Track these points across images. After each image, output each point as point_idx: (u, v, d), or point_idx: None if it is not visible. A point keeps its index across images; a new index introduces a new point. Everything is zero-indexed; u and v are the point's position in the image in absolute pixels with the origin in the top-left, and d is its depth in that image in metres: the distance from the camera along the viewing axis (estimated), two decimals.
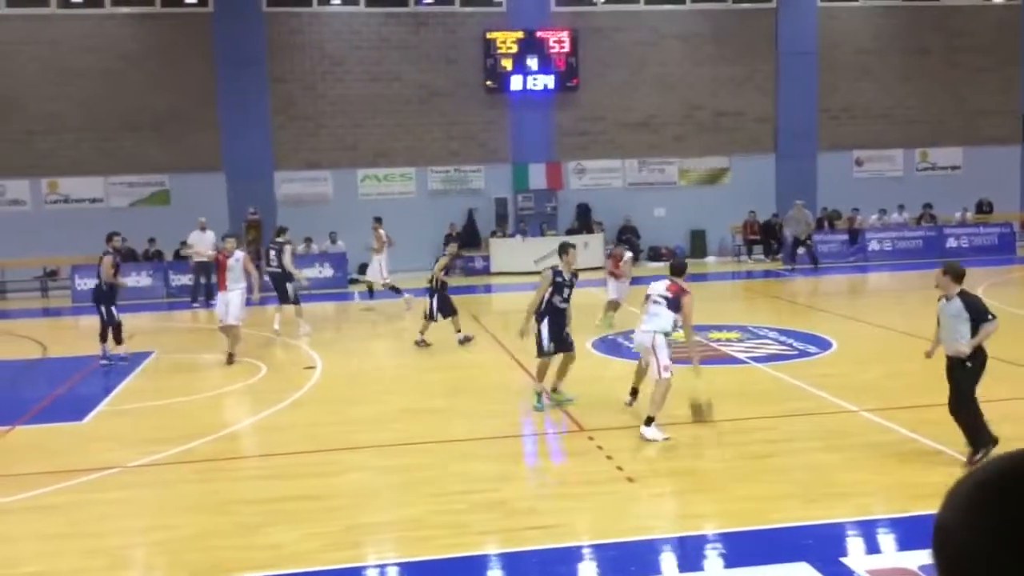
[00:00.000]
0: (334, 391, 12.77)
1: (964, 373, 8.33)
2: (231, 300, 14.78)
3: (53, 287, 25.97)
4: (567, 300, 11.04)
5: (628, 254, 17.63)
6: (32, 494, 8.60)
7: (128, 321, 18.61)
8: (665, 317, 9.91)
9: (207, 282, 22.82)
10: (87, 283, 23.96)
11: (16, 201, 26.91)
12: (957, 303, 8.29)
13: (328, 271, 25.71)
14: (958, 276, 8.42)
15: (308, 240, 26.45)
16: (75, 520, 7.98)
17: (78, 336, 18.37)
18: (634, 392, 10.94)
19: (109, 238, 15.81)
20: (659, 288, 10.12)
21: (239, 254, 15.10)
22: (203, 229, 23.31)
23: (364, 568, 6.87)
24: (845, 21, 30.20)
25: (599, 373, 13.18)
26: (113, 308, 15.28)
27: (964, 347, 8.19)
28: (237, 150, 27.30)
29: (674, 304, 9.94)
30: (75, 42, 26.71)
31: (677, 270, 10.44)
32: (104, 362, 15.18)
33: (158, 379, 14.02)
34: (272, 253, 17.91)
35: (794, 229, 25.96)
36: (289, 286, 17.50)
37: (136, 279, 24.31)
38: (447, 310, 15.35)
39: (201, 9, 27.20)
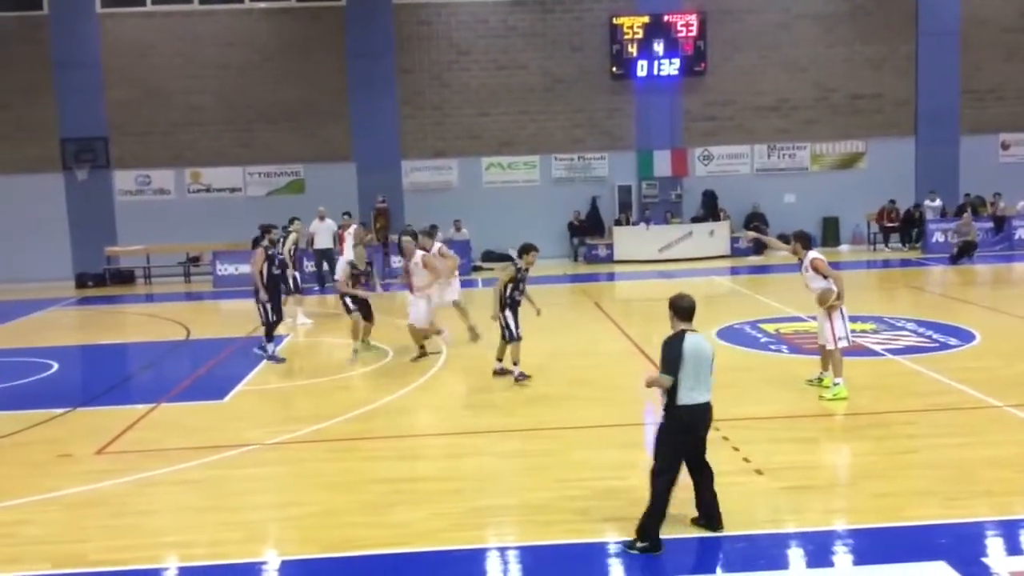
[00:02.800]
0: (458, 376, 12.94)
1: (659, 432, 6.86)
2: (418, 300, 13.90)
3: (195, 272, 27.24)
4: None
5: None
6: (175, 468, 9.05)
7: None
8: None
9: (330, 269, 23.48)
10: (227, 269, 25.13)
11: (161, 190, 28.33)
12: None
13: None
14: (680, 311, 6.86)
15: (434, 227, 26.83)
16: (214, 494, 8.36)
17: (219, 319, 19.19)
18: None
19: (268, 230, 14.81)
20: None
21: (420, 252, 14.01)
22: (322, 218, 23.77)
23: (486, 549, 6.94)
24: None
25: (726, 363, 12.91)
26: (268, 305, 14.21)
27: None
28: (367, 140, 28.00)
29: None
30: (215, 37, 27.90)
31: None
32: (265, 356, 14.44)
33: (292, 361, 14.51)
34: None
35: (964, 239, 24.41)
36: (295, 274, 17.35)
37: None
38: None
39: (334, 3, 27.94)
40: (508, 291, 12.24)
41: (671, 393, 6.69)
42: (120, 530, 7.54)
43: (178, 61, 27.85)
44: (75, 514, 7.97)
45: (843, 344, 10.69)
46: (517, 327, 12.20)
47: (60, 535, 7.52)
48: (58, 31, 27.38)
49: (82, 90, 27.42)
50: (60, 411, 11.56)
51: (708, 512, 6.98)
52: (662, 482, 6.69)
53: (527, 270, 12.42)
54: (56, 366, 14.49)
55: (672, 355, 6.66)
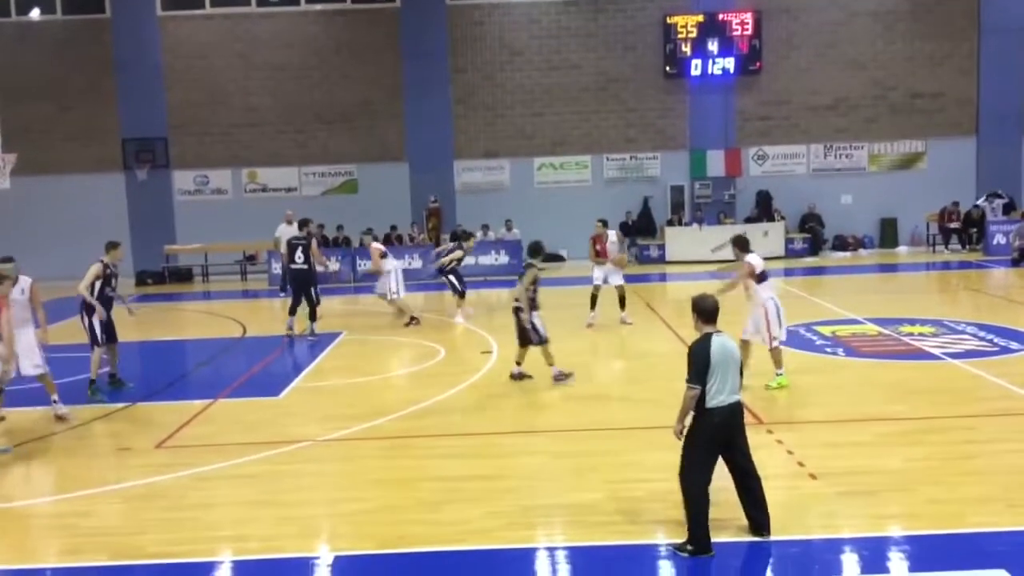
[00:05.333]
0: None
1: (689, 434, 6.75)
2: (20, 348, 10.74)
3: (252, 271, 27.67)
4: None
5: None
6: (231, 463, 9.20)
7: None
8: None
9: None
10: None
11: (219, 190, 28.83)
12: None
13: (504, 258, 26.12)
14: (703, 313, 6.80)
15: (485, 227, 26.98)
16: (269, 489, 8.47)
17: (275, 317, 19.42)
18: None
19: (306, 223, 17.01)
20: None
21: (25, 282, 11.02)
22: (289, 222, 22.41)
23: (537, 549, 6.95)
24: None
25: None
26: (314, 289, 16.42)
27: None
28: (420, 140, 28.19)
29: None
30: (272, 39, 28.33)
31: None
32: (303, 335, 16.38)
33: (346, 359, 14.67)
34: (299, 249, 16.32)
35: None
36: (311, 288, 16.36)
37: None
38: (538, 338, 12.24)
39: (389, 4, 28.17)
40: (532, 292, 12.13)
41: (700, 397, 6.61)
42: (177, 523, 7.68)
43: (236, 63, 28.32)
44: (133, 507, 8.15)
45: (777, 343, 11.23)
46: (542, 328, 12.14)
47: (118, 527, 7.69)
48: (120, 33, 28.02)
49: (143, 91, 28.02)
50: (120, 406, 11.83)
51: (757, 518, 6.88)
52: (692, 483, 6.61)
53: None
54: None
55: (700, 363, 6.57)
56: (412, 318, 17.21)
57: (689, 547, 6.61)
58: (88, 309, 12.32)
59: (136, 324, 15.41)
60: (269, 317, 20.37)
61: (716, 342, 6.65)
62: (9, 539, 7.62)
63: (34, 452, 10.10)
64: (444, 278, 17.94)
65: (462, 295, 17.65)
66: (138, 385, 13.05)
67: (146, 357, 16.54)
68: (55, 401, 11.23)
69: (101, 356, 12.46)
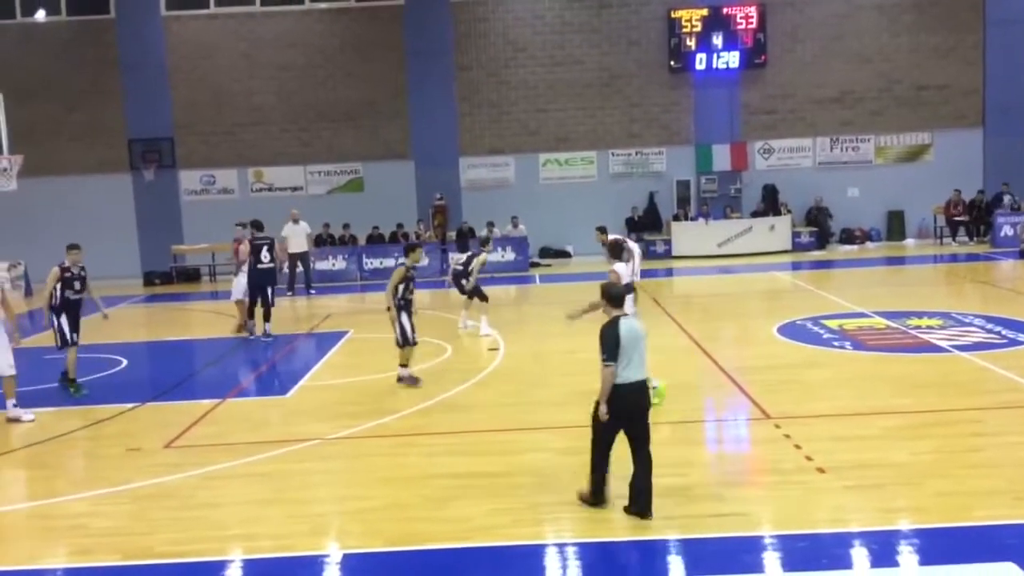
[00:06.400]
0: (517, 372, 12.97)
1: (593, 414, 7.36)
2: None
3: None
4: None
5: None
6: (240, 462, 9.24)
7: (326, 302, 19.70)
8: None
9: (305, 271, 23.58)
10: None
11: (225, 189, 28.88)
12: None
13: (510, 255, 26.16)
14: (612, 299, 7.49)
15: (490, 224, 26.98)
16: (278, 488, 8.51)
17: (282, 317, 19.46)
18: None
19: (260, 227, 16.76)
20: None
21: (1, 277, 11.32)
22: (295, 221, 23.23)
23: (545, 545, 6.96)
24: None
25: (788, 360, 12.79)
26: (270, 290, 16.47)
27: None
28: (425, 138, 28.19)
29: None
30: (277, 38, 28.34)
31: None
32: (258, 337, 16.45)
33: (353, 357, 14.71)
34: (264, 248, 16.49)
35: None
36: (270, 288, 16.59)
37: (332, 263, 25.63)
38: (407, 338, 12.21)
39: (393, 2, 28.16)
40: (400, 292, 12.00)
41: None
42: (187, 522, 7.72)
43: (241, 62, 28.35)
44: (144, 506, 8.18)
45: None
46: (413, 331, 12.14)
47: (129, 527, 7.73)
48: (124, 34, 28.06)
49: (148, 92, 28.05)
50: (130, 406, 11.88)
51: (640, 500, 7.22)
52: (597, 452, 7.33)
53: (415, 268, 12.27)
54: (125, 362, 14.87)
55: (612, 341, 7.21)
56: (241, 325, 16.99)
57: (591, 498, 7.36)
58: (56, 310, 12.48)
59: (145, 324, 15.45)
60: (277, 317, 20.37)
61: (624, 324, 7.30)
62: (20, 540, 7.67)
63: (43, 453, 10.15)
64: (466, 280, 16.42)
65: (471, 297, 16.83)
66: (147, 385, 13.09)
67: (154, 357, 16.62)
68: (14, 405, 11.22)
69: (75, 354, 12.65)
